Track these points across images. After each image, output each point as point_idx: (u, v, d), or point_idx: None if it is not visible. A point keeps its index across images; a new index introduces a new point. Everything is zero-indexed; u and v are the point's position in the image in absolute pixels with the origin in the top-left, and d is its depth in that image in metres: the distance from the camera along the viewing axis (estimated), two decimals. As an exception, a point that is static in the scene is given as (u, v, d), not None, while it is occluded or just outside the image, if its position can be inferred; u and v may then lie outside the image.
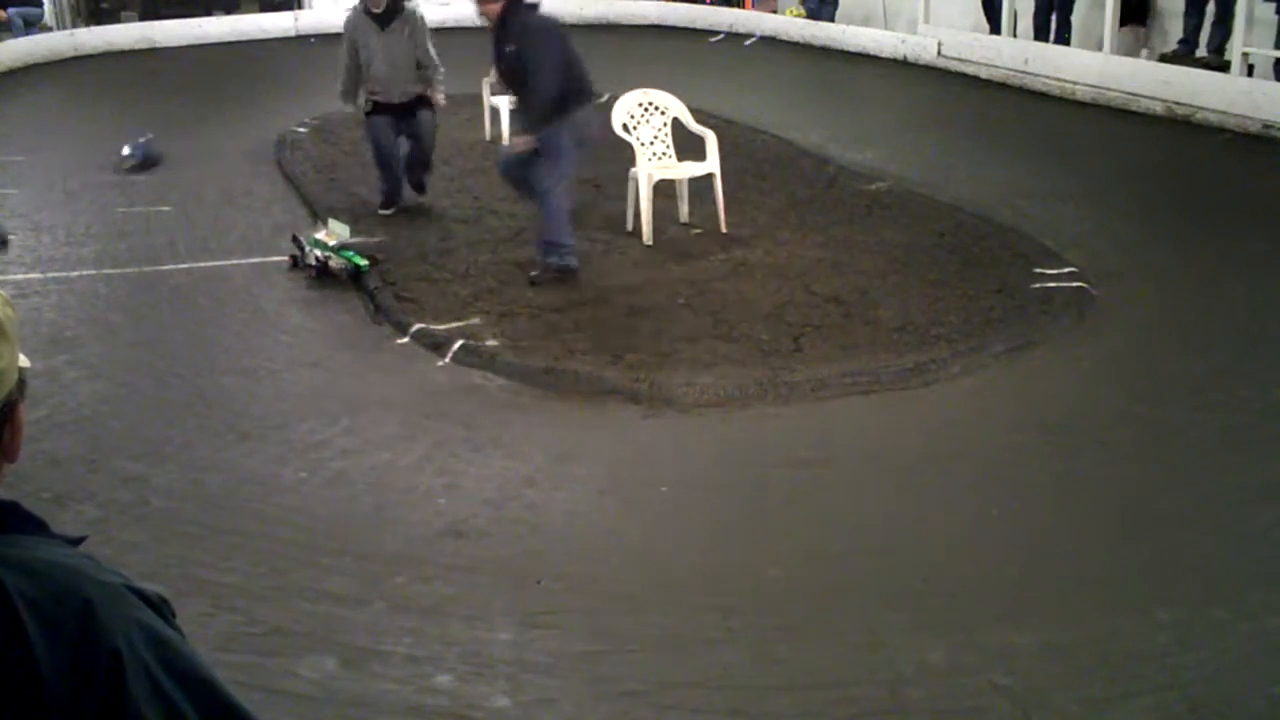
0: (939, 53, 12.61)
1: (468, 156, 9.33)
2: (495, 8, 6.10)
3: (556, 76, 6.01)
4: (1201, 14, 10.20)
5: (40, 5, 14.83)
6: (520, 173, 6.34)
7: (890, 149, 9.36)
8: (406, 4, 7.59)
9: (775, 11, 15.78)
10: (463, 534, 3.89)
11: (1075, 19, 11.60)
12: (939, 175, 8.49)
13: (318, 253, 6.46)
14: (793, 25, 14.76)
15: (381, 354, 5.49)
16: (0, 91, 12.38)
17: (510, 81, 6.53)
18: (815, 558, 3.77)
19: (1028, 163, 9.08)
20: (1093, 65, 10.75)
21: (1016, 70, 11.56)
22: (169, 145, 9.79)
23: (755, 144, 9.49)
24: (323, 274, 6.43)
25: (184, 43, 15.10)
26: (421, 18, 7.60)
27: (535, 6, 6.24)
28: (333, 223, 6.68)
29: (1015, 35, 12.14)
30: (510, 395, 5.05)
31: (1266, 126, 8.91)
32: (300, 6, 16.21)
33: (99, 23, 15.63)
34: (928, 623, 3.36)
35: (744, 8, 16.21)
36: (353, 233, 6.75)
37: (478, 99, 10.05)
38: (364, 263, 6.40)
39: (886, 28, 14.02)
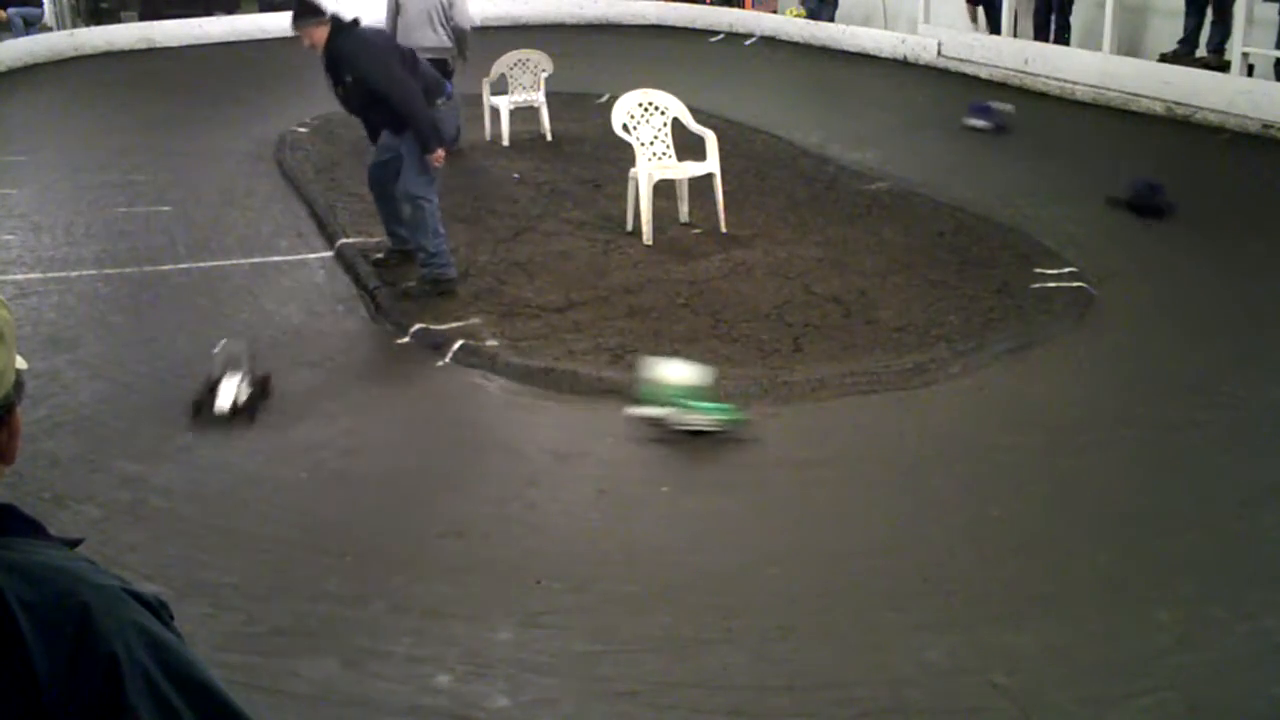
0: (939, 53, 12.62)
1: (468, 157, 9.33)
2: (321, 33, 5.81)
3: (412, 89, 5.73)
4: (1201, 14, 10.22)
5: (40, 5, 14.84)
6: (385, 181, 6.13)
7: (890, 149, 9.36)
8: None
9: (775, 11, 15.79)
10: (463, 534, 3.90)
11: (1076, 20, 11.61)
12: (939, 175, 8.49)
13: None
14: (793, 25, 14.77)
15: (381, 354, 5.49)
16: (0, 91, 12.38)
17: (359, 109, 6.12)
18: (815, 558, 3.77)
19: (1028, 163, 9.09)
20: (1093, 65, 10.75)
21: (1016, 70, 11.56)
22: (169, 146, 9.79)
23: (755, 144, 9.50)
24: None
25: (184, 43, 15.12)
26: None
27: (356, 24, 5.93)
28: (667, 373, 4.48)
29: (1016, 35, 12.15)
30: (510, 395, 5.05)
31: (1266, 126, 8.92)
32: (300, 6, 16.21)
33: (99, 23, 15.63)
34: (928, 623, 3.36)
35: (744, 8, 16.21)
36: (351, 231, 6.68)
37: (477, 99, 10.05)
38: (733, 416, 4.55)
39: (886, 28, 14.02)
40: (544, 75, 9.82)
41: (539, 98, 9.78)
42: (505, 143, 9.60)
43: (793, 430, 4.74)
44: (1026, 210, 7.55)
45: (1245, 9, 9.43)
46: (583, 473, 4.36)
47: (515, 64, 9.78)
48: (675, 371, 4.51)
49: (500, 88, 9.74)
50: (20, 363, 1.13)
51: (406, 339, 5.60)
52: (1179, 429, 4.66)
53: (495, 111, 9.75)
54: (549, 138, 9.75)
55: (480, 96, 9.96)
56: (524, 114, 9.81)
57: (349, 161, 9.10)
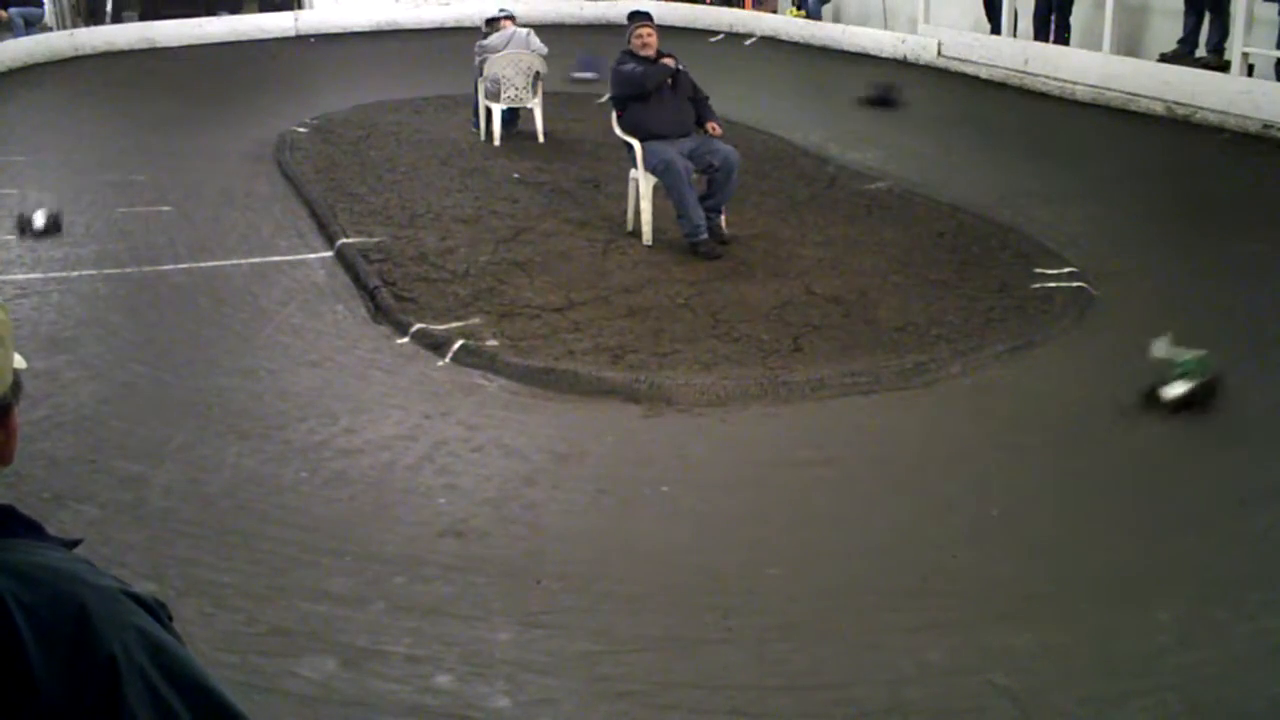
0: (939, 53, 12.61)
1: (468, 157, 9.33)
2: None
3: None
4: (1201, 13, 10.21)
5: (41, 5, 14.83)
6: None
7: (890, 149, 9.36)
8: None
9: (775, 11, 15.79)
10: (463, 534, 3.89)
11: (1076, 20, 11.61)
12: (939, 175, 8.49)
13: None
14: (793, 25, 14.77)
15: (381, 354, 5.49)
16: (0, 91, 12.37)
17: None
18: (815, 558, 3.77)
19: (1028, 163, 9.09)
20: (1093, 65, 10.75)
21: (1016, 70, 11.56)
22: (169, 146, 9.79)
23: (755, 144, 9.49)
24: None
25: (184, 43, 15.11)
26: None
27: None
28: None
29: (1015, 35, 12.15)
30: (510, 395, 5.04)
31: (1266, 126, 8.91)
32: (300, 6, 16.22)
33: (99, 22, 15.61)
34: (928, 623, 3.36)
35: (744, 8, 16.21)
36: (352, 231, 6.70)
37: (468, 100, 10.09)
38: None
39: (886, 28, 14.02)
40: (537, 74, 9.79)
41: (533, 100, 9.76)
42: (496, 143, 9.61)
43: (793, 430, 4.74)
44: (1026, 210, 7.54)
45: (1245, 9, 9.42)
46: (583, 473, 4.35)
47: (508, 65, 9.75)
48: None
49: (494, 89, 9.73)
50: (20, 362, 1.13)
51: (406, 339, 5.60)
52: (1179, 429, 4.66)
53: (489, 112, 9.75)
54: (540, 139, 9.74)
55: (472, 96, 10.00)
56: (524, 114, 9.82)
57: (349, 161, 9.11)
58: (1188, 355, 4.75)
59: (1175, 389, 4.71)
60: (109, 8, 15.20)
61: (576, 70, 12.13)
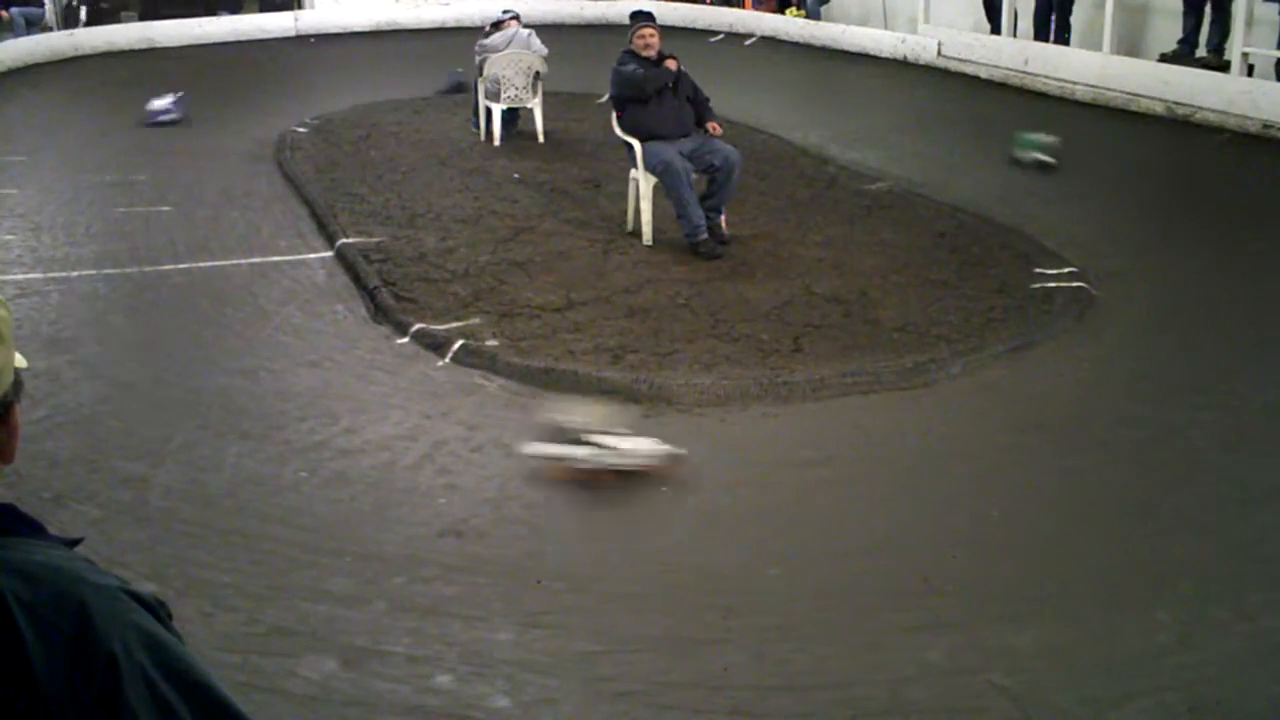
0: (939, 53, 12.61)
1: (468, 157, 9.33)
2: None
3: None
4: (1200, 13, 10.20)
5: (42, 5, 14.83)
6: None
7: (890, 149, 9.36)
8: None
9: (774, 10, 15.77)
10: (463, 534, 3.90)
11: (1076, 20, 11.60)
12: (939, 175, 8.49)
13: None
14: (793, 25, 14.77)
15: (381, 354, 5.49)
16: (0, 91, 12.37)
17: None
18: (815, 558, 3.77)
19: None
20: (1093, 65, 10.75)
21: (1016, 70, 11.56)
22: (169, 146, 9.80)
23: (755, 144, 9.50)
24: None
25: (184, 43, 15.10)
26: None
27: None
28: None
29: (1015, 35, 12.14)
30: (510, 395, 5.04)
31: (1266, 126, 8.91)
32: (300, 6, 16.22)
33: (71, 25, 15.53)
34: (928, 623, 3.36)
35: (744, 8, 16.20)
36: (352, 231, 6.67)
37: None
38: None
39: (886, 28, 14.02)
40: (537, 74, 9.79)
41: (533, 100, 9.76)
42: (496, 143, 9.61)
43: (793, 430, 4.74)
44: (1026, 210, 7.54)
45: (1245, 9, 9.42)
46: (583, 473, 4.35)
47: (508, 65, 9.74)
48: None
49: (494, 89, 9.73)
50: (20, 361, 1.14)
51: (406, 339, 5.60)
52: (1179, 429, 4.66)
53: (489, 112, 9.75)
54: (541, 139, 9.75)
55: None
56: (524, 114, 9.82)
57: (349, 161, 9.11)
58: (1046, 138, 8.43)
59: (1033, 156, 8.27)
60: (82, 15, 15.21)
61: (158, 112, 10.75)
